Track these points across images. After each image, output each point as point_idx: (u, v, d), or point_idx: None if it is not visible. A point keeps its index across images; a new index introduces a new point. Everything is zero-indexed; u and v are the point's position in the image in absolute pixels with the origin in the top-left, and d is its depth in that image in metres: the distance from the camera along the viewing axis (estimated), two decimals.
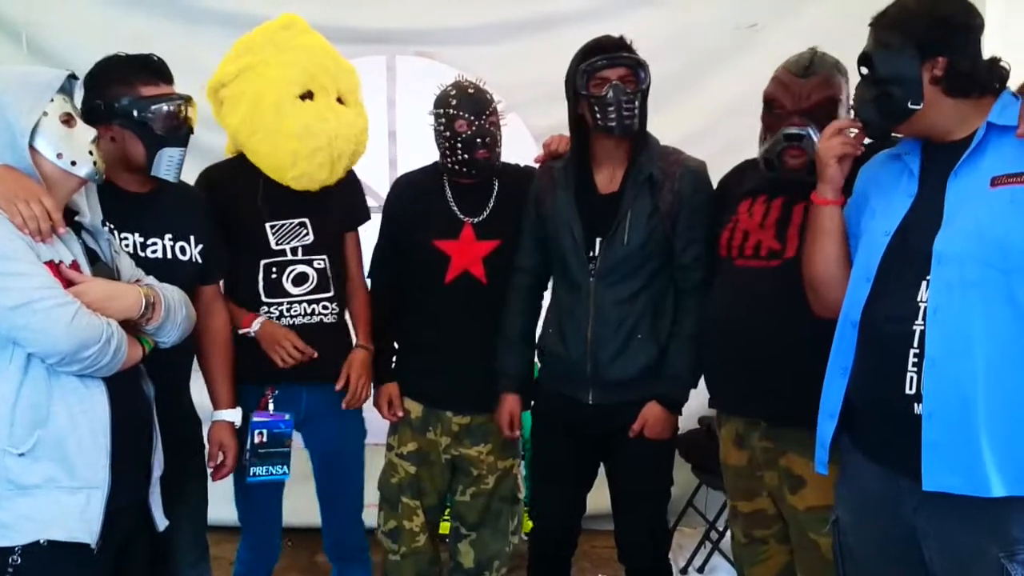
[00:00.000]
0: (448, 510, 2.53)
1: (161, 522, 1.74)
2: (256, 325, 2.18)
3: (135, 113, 1.84)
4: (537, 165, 2.30)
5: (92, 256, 1.67)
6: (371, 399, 2.39)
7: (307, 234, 2.24)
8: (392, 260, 2.36)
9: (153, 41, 2.11)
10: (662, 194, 2.06)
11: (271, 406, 2.22)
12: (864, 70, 1.57)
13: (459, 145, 2.19)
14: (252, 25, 2.26)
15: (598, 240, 2.09)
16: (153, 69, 1.89)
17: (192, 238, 2.02)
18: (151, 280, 1.78)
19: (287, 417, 2.22)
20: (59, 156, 1.58)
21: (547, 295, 2.30)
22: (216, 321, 2.12)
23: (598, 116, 2.02)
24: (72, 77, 1.66)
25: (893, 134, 1.62)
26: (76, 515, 1.54)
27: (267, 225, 2.21)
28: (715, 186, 2.13)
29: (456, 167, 2.23)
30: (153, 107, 1.85)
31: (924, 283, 1.47)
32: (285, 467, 2.23)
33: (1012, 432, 1.39)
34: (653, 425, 2.09)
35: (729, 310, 1.92)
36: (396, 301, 2.36)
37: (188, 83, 2.15)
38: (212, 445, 2.16)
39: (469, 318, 2.27)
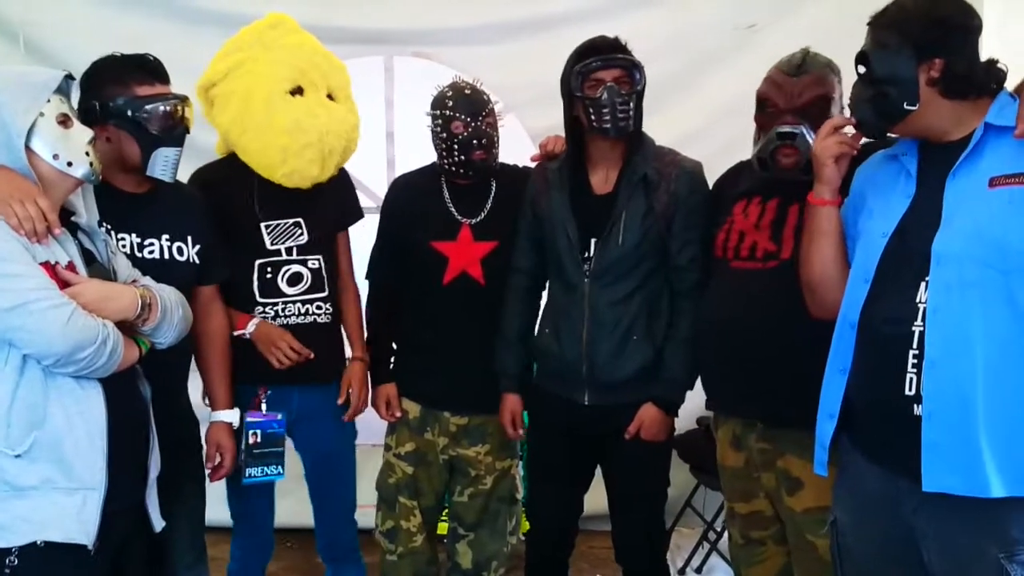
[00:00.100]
0: (446, 510, 2.53)
1: (158, 523, 1.74)
2: (251, 326, 2.18)
3: (130, 113, 1.83)
4: (533, 165, 2.30)
5: (88, 257, 1.67)
6: (369, 400, 2.39)
7: (302, 234, 2.24)
8: (390, 261, 2.36)
9: (151, 41, 2.11)
10: (657, 195, 2.06)
11: (264, 406, 2.23)
12: (861, 69, 1.57)
13: (456, 146, 2.19)
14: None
15: (593, 241, 2.09)
16: (149, 69, 1.88)
17: (190, 239, 2.01)
18: (148, 281, 1.77)
19: (279, 417, 2.23)
20: (55, 157, 1.58)
21: (545, 295, 2.30)
22: (214, 322, 2.12)
23: (593, 117, 2.02)
24: (69, 77, 1.66)
25: (889, 134, 1.62)
26: (73, 516, 1.54)
27: (262, 225, 2.21)
28: (711, 187, 2.13)
29: (453, 168, 2.23)
30: (148, 107, 1.84)
31: (923, 284, 1.47)
32: (280, 467, 2.24)
33: (1012, 433, 1.39)
34: (649, 427, 2.09)
35: (725, 311, 1.92)
36: (394, 302, 2.36)
37: (186, 83, 2.15)
38: (210, 446, 2.16)
39: (467, 319, 2.27)
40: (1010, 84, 1.52)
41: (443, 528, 2.58)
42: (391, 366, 2.39)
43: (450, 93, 2.21)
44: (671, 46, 3.11)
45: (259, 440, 2.20)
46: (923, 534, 1.50)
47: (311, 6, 3.04)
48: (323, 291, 2.26)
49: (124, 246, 1.90)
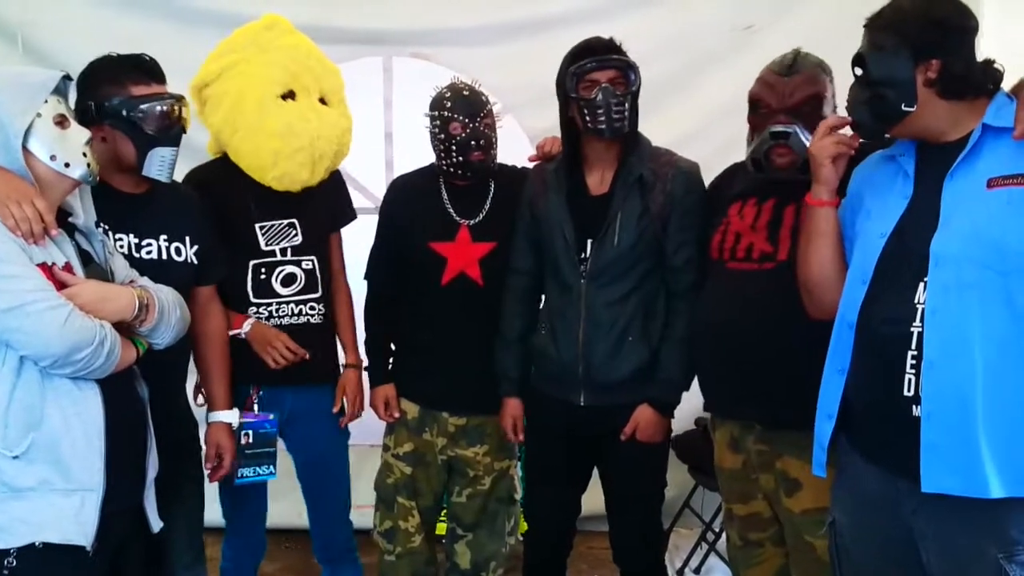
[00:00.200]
0: (444, 511, 2.53)
1: (156, 524, 1.74)
2: (247, 327, 2.19)
3: (125, 113, 1.83)
4: (531, 165, 2.30)
5: (86, 258, 1.66)
6: (367, 403, 2.40)
7: (296, 235, 2.24)
8: (388, 262, 2.36)
9: (149, 42, 2.10)
10: (653, 195, 2.06)
11: (256, 407, 2.23)
12: (858, 71, 1.57)
13: (454, 147, 2.19)
14: None
15: (589, 242, 2.09)
16: (144, 69, 1.88)
17: (187, 239, 2.01)
18: (145, 281, 1.77)
19: (272, 418, 2.24)
20: (52, 158, 1.58)
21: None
22: (212, 322, 2.12)
23: (588, 119, 2.02)
24: (67, 78, 1.66)
25: (887, 135, 1.62)
26: (71, 517, 1.54)
27: (257, 226, 2.21)
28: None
29: (451, 169, 2.23)
30: (143, 107, 1.84)
31: (921, 285, 1.46)
32: (272, 467, 2.25)
33: (1011, 433, 1.39)
34: (645, 428, 2.09)
35: (722, 313, 1.92)
36: (393, 302, 2.36)
37: (184, 83, 2.16)
38: (209, 446, 2.16)
39: (465, 320, 2.27)
40: (1007, 85, 1.52)
41: (442, 528, 2.58)
42: (390, 367, 2.39)
43: (448, 94, 2.21)
44: (669, 47, 3.11)
45: (251, 440, 2.20)
46: (922, 535, 1.50)
47: (310, 7, 3.04)
48: (316, 292, 2.27)
49: (122, 246, 1.90)
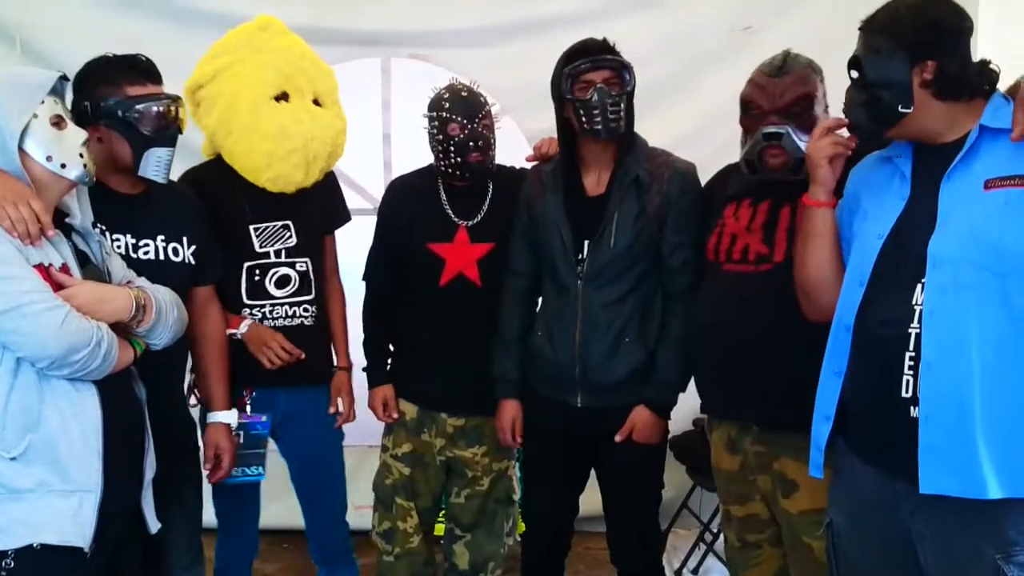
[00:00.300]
0: (443, 511, 2.53)
1: (153, 525, 1.74)
2: (243, 327, 2.19)
3: (121, 113, 1.83)
4: (529, 166, 2.30)
5: (83, 258, 1.66)
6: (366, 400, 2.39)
7: (290, 236, 2.24)
8: (387, 263, 2.36)
9: (147, 43, 2.11)
10: (649, 196, 2.06)
11: (248, 408, 2.23)
12: (854, 74, 1.58)
13: (452, 148, 2.19)
14: None
15: (586, 243, 2.09)
16: (140, 69, 1.88)
17: (185, 239, 2.01)
18: (142, 282, 1.77)
19: (264, 419, 2.24)
20: (49, 159, 1.57)
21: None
22: (210, 323, 2.12)
23: (584, 119, 2.02)
24: (63, 78, 1.65)
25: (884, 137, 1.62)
26: (69, 519, 1.54)
27: (251, 228, 2.21)
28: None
29: (450, 170, 2.23)
30: (139, 107, 1.84)
31: (919, 286, 1.47)
32: (261, 468, 2.25)
33: (1009, 434, 1.39)
34: (641, 430, 2.09)
35: (718, 315, 1.91)
36: (392, 303, 2.36)
37: (183, 84, 2.16)
38: (208, 447, 2.16)
39: (464, 320, 2.27)
40: (1003, 85, 1.53)
41: (440, 529, 2.58)
42: (388, 367, 2.39)
43: (447, 95, 2.21)
44: (667, 48, 3.12)
45: (242, 441, 2.20)
46: (920, 536, 1.50)
47: (309, 7, 3.05)
48: (310, 294, 2.27)
49: (119, 247, 1.90)
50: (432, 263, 2.25)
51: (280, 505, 2.90)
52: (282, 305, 2.24)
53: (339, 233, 2.44)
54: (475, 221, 2.28)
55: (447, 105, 2.19)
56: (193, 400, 2.22)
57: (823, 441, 1.65)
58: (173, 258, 1.99)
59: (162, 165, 1.89)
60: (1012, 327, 1.40)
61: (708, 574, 3.13)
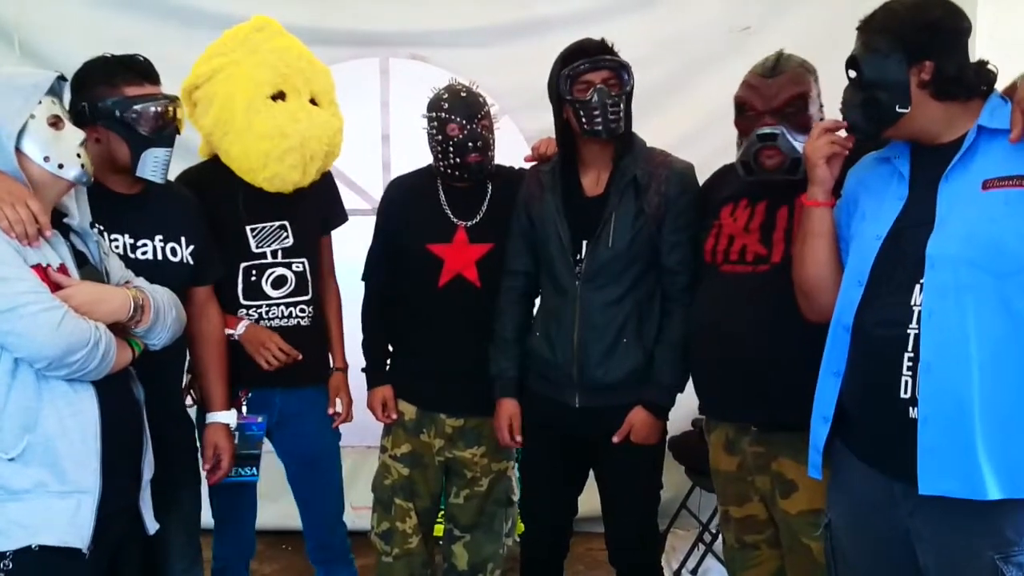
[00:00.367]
0: (442, 512, 2.53)
1: (151, 526, 1.74)
2: (241, 328, 2.19)
3: (118, 113, 1.83)
4: (528, 166, 2.30)
5: (81, 258, 1.66)
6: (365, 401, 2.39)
7: (287, 237, 2.24)
8: (386, 263, 2.35)
9: (146, 43, 2.11)
10: (647, 196, 2.06)
11: (244, 408, 2.23)
12: (852, 74, 1.58)
13: (451, 149, 2.19)
14: None
15: (584, 243, 2.09)
16: (138, 70, 1.88)
17: (183, 239, 2.01)
18: (141, 282, 1.77)
19: (260, 420, 2.24)
20: (46, 159, 1.57)
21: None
22: (209, 323, 2.12)
23: (584, 120, 2.01)
24: (61, 79, 1.65)
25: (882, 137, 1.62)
26: (67, 520, 1.54)
27: (247, 228, 2.21)
28: None
29: (449, 171, 2.23)
30: (137, 107, 1.84)
31: (917, 287, 1.47)
32: (255, 469, 2.25)
33: (1007, 435, 1.39)
34: (639, 430, 2.08)
35: (716, 315, 1.91)
36: (391, 303, 2.36)
37: (180, 84, 2.15)
38: (207, 447, 2.15)
39: (463, 321, 2.27)
40: (1002, 84, 1.53)
41: (439, 530, 2.58)
42: (387, 368, 2.39)
43: (446, 96, 2.21)
44: (666, 49, 3.12)
45: (236, 442, 2.19)
46: (918, 536, 1.50)
47: (308, 8, 3.05)
48: (306, 294, 2.27)
49: (117, 247, 1.90)
50: (431, 264, 2.25)
51: (279, 506, 2.90)
52: (278, 305, 2.24)
53: (338, 233, 2.44)
54: (474, 222, 2.28)
55: (446, 106, 2.19)
56: (189, 401, 2.21)
57: (821, 442, 1.65)
58: (171, 258, 1.99)
59: (160, 165, 1.89)
60: (1011, 328, 1.40)
61: (707, 574, 3.13)
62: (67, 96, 1.68)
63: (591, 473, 2.29)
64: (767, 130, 1.82)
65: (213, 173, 2.22)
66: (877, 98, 1.53)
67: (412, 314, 2.32)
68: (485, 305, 2.26)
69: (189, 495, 2.09)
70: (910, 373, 1.46)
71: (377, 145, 3.29)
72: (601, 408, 2.09)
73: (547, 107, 2.14)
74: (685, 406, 2.19)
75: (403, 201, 2.35)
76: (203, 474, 2.17)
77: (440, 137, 2.20)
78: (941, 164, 1.49)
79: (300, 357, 2.22)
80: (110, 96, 1.83)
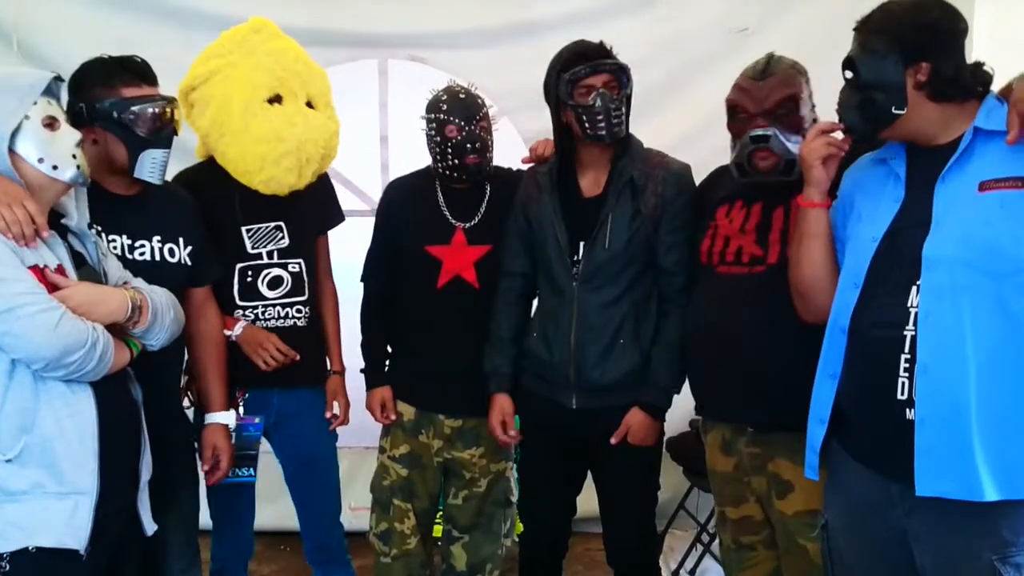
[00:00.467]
0: (441, 513, 2.53)
1: (149, 527, 1.74)
2: (238, 329, 2.19)
3: (116, 115, 1.82)
4: (525, 167, 2.30)
5: (79, 259, 1.66)
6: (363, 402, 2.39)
7: (283, 238, 2.24)
8: (385, 264, 2.35)
9: (145, 43, 2.11)
10: (645, 197, 2.06)
11: (241, 409, 2.23)
12: (848, 75, 1.58)
13: (450, 150, 2.19)
14: None
15: (581, 244, 2.09)
16: (136, 71, 1.87)
17: (181, 240, 2.01)
18: (139, 282, 1.77)
19: (257, 421, 2.24)
20: (40, 160, 1.57)
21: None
22: (207, 323, 2.12)
23: (587, 125, 2.02)
24: (58, 79, 1.65)
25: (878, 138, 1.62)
26: (64, 521, 1.54)
27: (243, 229, 2.21)
28: None
29: (447, 172, 2.23)
30: (134, 108, 1.84)
31: (914, 288, 1.47)
32: (252, 470, 2.24)
33: (1004, 436, 1.40)
34: (636, 431, 2.08)
35: (712, 317, 1.92)
36: (390, 304, 2.36)
37: (178, 86, 2.15)
38: (205, 448, 2.15)
39: (461, 322, 2.27)
40: (998, 85, 1.53)
41: (438, 531, 2.58)
42: (386, 369, 2.39)
43: (444, 97, 2.21)
44: (664, 50, 3.12)
45: (233, 442, 2.19)
46: (915, 537, 1.50)
47: (306, 9, 3.04)
48: (303, 295, 2.27)
49: (115, 248, 1.90)
50: (429, 265, 2.25)
51: (278, 507, 2.90)
52: (274, 306, 2.24)
53: (337, 234, 2.44)
54: (472, 223, 2.28)
55: (445, 107, 2.19)
56: (186, 402, 2.21)
57: (818, 443, 1.65)
58: (169, 259, 1.99)
59: (157, 167, 1.89)
60: (1007, 329, 1.40)
61: (705, 575, 3.13)
62: (65, 96, 1.68)
63: (589, 473, 2.30)
64: (759, 132, 1.83)
65: (209, 174, 2.22)
66: (874, 99, 1.53)
67: (411, 315, 2.32)
68: (484, 306, 2.26)
69: (187, 495, 2.09)
70: (907, 374, 1.46)
71: (375, 146, 3.29)
72: (598, 409, 2.09)
73: (546, 108, 2.14)
74: (682, 407, 2.19)
75: (402, 202, 2.35)
76: (201, 475, 2.17)
77: (439, 139, 2.20)
78: (937, 165, 1.50)
79: (298, 357, 2.22)
80: (108, 97, 1.83)
